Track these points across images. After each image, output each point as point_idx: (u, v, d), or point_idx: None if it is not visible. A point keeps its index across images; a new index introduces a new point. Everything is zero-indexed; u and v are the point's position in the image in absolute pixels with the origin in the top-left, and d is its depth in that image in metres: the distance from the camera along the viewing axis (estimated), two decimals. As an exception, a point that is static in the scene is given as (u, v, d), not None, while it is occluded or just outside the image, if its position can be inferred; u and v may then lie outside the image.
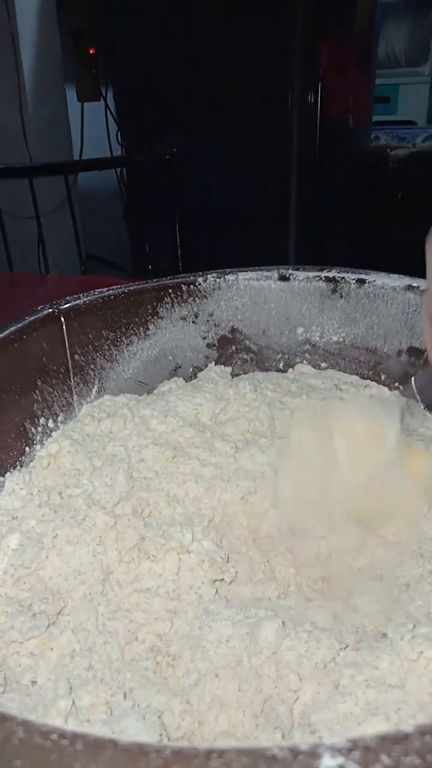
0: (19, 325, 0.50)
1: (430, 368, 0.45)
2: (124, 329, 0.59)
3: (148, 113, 1.86)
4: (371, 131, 2.37)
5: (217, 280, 0.63)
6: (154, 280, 0.62)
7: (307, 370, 0.65)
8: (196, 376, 0.64)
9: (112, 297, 0.58)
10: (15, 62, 2.04)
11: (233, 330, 0.65)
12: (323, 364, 0.65)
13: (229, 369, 0.65)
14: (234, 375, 0.65)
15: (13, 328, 0.49)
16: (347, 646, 0.36)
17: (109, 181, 2.09)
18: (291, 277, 0.63)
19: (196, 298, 0.63)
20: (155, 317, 0.61)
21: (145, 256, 1.90)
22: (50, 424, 0.53)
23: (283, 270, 0.63)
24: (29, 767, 0.16)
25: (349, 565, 0.43)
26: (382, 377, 0.62)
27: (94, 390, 0.58)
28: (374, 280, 0.61)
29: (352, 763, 0.16)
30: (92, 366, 0.57)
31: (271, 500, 0.47)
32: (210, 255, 1.68)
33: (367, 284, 0.61)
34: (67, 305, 0.55)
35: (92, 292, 0.57)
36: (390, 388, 0.62)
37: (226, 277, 0.63)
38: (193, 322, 0.63)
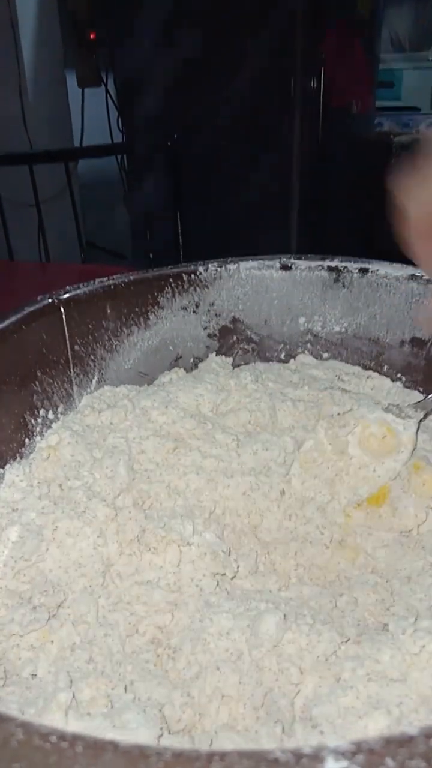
0: (19, 316, 0.50)
1: None
2: (124, 319, 0.59)
3: (149, 99, 1.84)
4: (375, 117, 2.35)
5: (219, 269, 0.62)
6: (155, 270, 0.61)
7: (308, 360, 0.64)
8: (197, 367, 0.64)
9: (112, 287, 0.57)
10: (15, 48, 2.02)
11: (234, 320, 0.64)
12: (325, 355, 0.65)
13: (230, 359, 0.64)
14: (235, 365, 0.64)
15: (12, 319, 0.49)
16: (348, 640, 0.35)
17: (109, 168, 2.08)
18: (293, 266, 0.62)
19: (197, 288, 0.62)
20: (156, 307, 0.61)
21: (146, 244, 1.88)
22: (50, 415, 0.52)
23: (284, 259, 0.63)
24: (28, 768, 0.16)
25: (350, 558, 0.43)
26: (385, 368, 0.62)
27: (94, 381, 0.57)
28: (377, 270, 0.60)
29: (356, 766, 0.16)
30: (92, 356, 0.57)
31: (273, 497, 0.46)
32: (211, 243, 1.67)
33: (369, 274, 0.60)
34: (67, 295, 0.54)
35: (92, 281, 0.57)
36: (392, 379, 0.61)
37: (227, 266, 0.62)
38: (194, 311, 0.63)
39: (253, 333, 0.65)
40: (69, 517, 0.42)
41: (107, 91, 2.08)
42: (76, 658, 0.35)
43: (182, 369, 0.63)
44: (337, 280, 0.62)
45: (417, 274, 0.58)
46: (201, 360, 0.64)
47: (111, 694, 0.33)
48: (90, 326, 0.56)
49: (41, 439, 0.50)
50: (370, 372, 0.62)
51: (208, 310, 0.63)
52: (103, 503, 0.43)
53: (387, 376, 0.62)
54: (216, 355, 0.64)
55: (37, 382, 0.51)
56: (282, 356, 0.66)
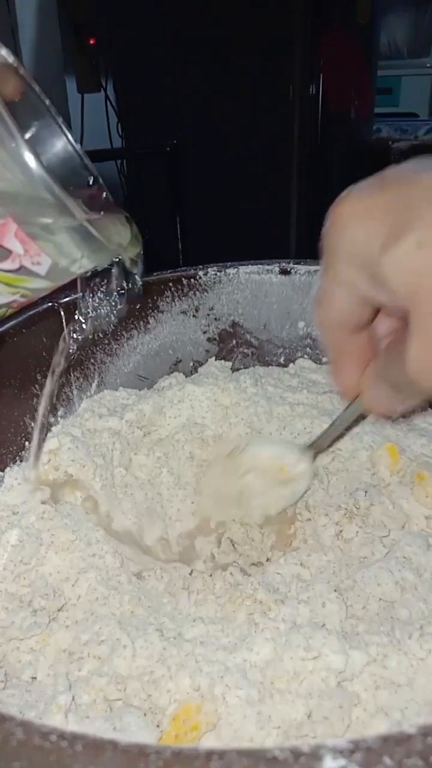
0: (19, 319, 0.50)
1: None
2: (124, 323, 0.59)
3: (149, 105, 1.85)
4: (373, 123, 2.36)
5: (218, 273, 0.62)
6: (155, 274, 0.61)
7: (308, 364, 0.64)
8: (196, 371, 0.64)
9: (112, 291, 0.58)
10: (15, 52, 2.02)
11: (234, 324, 0.65)
12: (324, 359, 0.65)
13: (229, 363, 0.65)
14: (234, 369, 0.64)
15: (12, 323, 0.49)
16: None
17: (109, 173, 2.08)
18: (292, 270, 0.63)
19: (197, 292, 0.62)
20: (155, 311, 0.61)
21: (146, 248, 1.89)
22: (50, 419, 0.53)
23: (284, 264, 0.63)
24: (28, 768, 0.16)
25: (355, 554, 0.43)
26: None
27: (94, 384, 0.57)
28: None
29: (354, 765, 0.16)
30: (92, 360, 0.57)
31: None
32: (211, 248, 1.67)
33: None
34: (67, 299, 0.54)
35: (92, 285, 0.57)
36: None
37: (226, 270, 0.63)
38: (194, 316, 0.63)
39: (252, 337, 0.65)
40: (67, 521, 0.42)
41: (107, 97, 2.08)
42: (76, 662, 0.35)
43: (182, 374, 0.63)
44: (335, 285, 0.62)
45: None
46: (201, 364, 0.64)
47: (111, 698, 0.33)
48: (90, 330, 0.56)
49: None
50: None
51: (208, 315, 0.64)
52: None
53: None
54: (215, 359, 0.64)
55: (37, 386, 0.51)
56: (281, 360, 0.66)
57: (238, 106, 1.70)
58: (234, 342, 0.65)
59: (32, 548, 0.40)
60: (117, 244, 0.35)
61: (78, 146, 0.37)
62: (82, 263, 0.33)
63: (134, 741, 0.17)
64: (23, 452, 0.49)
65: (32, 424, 0.51)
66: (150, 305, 0.60)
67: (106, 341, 0.58)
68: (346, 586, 0.39)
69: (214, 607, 0.38)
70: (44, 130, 0.36)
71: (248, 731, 0.30)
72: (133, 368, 0.60)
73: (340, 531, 0.44)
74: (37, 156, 0.28)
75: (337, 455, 0.50)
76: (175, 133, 1.68)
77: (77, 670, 0.34)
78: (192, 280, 0.62)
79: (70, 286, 0.36)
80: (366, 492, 0.45)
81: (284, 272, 0.63)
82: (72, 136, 0.37)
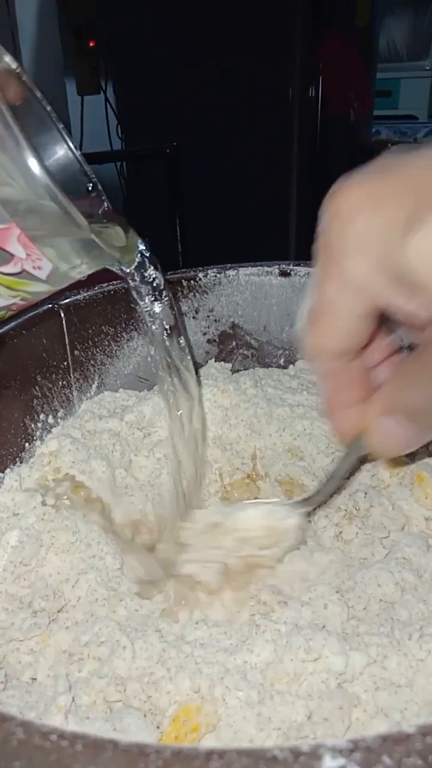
0: (19, 321, 0.50)
1: None
2: (124, 325, 0.59)
3: (149, 106, 1.85)
4: (372, 126, 2.37)
5: (218, 275, 0.63)
6: (155, 276, 0.61)
7: (308, 366, 0.65)
8: (196, 372, 0.64)
9: (112, 292, 0.58)
10: (14, 55, 2.02)
11: (234, 326, 0.65)
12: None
13: (229, 365, 0.65)
14: (234, 371, 0.64)
15: (12, 324, 0.49)
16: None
17: (109, 175, 2.09)
18: (292, 272, 0.63)
19: (197, 294, 0.62)
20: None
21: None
22: (50, 420, 0.53)
23: (284, 265, 0.63)
24: (29, 768, 0.16)
25: (355, 555, 0.43)
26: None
27: (94, 386, 0.57)
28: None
29: (354, 764, 0.16)
30: (92, 362, 0.57)
31: None
32: (210, 249, 1.67)
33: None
34: (67, 300, 0.54)
35: (92, 287, 0.57)
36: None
37: (226, 272, 0.63)
38: (194, 317, 0.63)
39: (252, 339, 0.65)
40: (67, 523, 0.42)
41: (107, 99, 2.09)
42: (75, 663, 0.35)
43: (181, 374, 0.63)
44: (335, 286, 0.62)
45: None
46: (200, 365, 0.64)
47: (111, 699, 0.33)
48: (90, 331, 0.56)
49: (41, 443, 0.51)
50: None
51: (208, 316, 0.64)
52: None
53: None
54: (215, 360, 0.64)
55: (37, 387, 0.51)
56: (281, 362, 0.66)
57: (237, 108, 1.70)
58: (234, 343, 0.65)
59: (32, 549, 0.40)
60: (117, 249, 0.35)
61: (78, 152, 0.38)
62: (81, 269, 0.33)
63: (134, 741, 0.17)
64: (23, 453, 0.50)
65: (32, 426, 0.51)
66: (150, 307, 0.60)
67: (107, 342, 0.58)
68: (347, 587, 0.39)
69: (219, 609, 0.39)
70: (45, 136, 0.36)
71: (248, 733, 0.30)
72: (133, 370, 0.60)
73: (340, 532, 0.44)
74: (43, 163, 0.28)
75: (336, 457, 0.50)
76: (175, 134, 1.68)
77: (77, 671, 0.34)
78: (192, 281, 0.62)
79: (70, 289, 0.36)
80: (366, 493, 0.46)
81: (284, 274, 0.63)
82: (72, 139, 0.38)
